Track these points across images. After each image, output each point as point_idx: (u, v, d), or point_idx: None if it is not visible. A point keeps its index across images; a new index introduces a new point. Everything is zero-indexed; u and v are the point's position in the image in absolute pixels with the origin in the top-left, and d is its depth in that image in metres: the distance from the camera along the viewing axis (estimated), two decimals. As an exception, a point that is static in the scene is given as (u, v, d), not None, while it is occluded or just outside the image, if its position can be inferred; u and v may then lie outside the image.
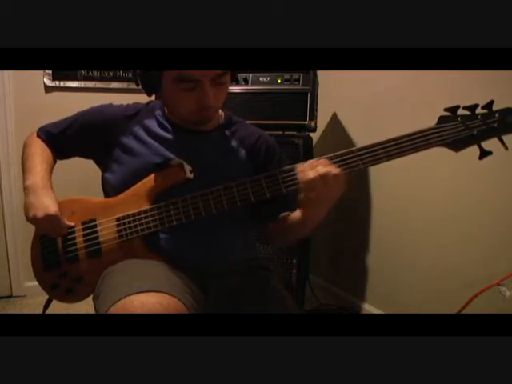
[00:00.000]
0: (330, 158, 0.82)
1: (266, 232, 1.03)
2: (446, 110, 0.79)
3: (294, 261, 1.72)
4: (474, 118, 0.78)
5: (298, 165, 0.83)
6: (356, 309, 1.95)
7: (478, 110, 0.79)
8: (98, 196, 1.00)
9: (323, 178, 0.77)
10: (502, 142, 0.79)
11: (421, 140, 0.80)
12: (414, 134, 0.80)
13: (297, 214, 0.92)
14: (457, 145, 0.79)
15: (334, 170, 0.78)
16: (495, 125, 0.77)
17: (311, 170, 0.79)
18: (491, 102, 0.79)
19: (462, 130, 0.78)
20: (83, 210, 0.95)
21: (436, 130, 0.79)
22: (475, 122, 0.78)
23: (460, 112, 0.79)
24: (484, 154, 0.79)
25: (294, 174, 0.85)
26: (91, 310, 0.84)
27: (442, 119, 0.80)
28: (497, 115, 0.78)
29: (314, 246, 1.95)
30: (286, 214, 0.97)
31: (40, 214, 0.88)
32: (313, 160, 0.82)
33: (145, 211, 0.90)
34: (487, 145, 0.79)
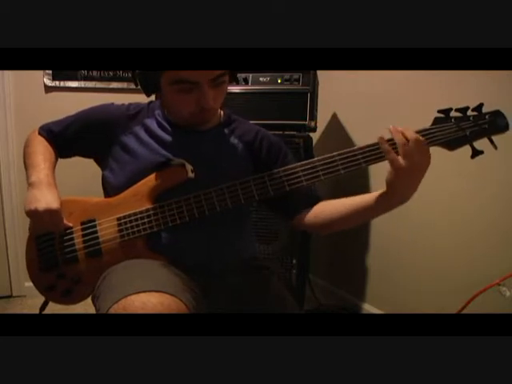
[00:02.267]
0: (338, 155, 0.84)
1: (298, 225, 0.99)
2: (439, 111, 0.83)
3: (294, 261, 1.72)
4: (466, 119, 0.82)
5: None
6: (356, 309, 1.95)
7: (469, 113, 0.83)
8: (98, 196, 0.99)
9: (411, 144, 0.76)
10: (491, 142, 0.83)
11: None
12: None
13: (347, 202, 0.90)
14: (451, 144, 0.83)
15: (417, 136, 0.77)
16: (486, 126, 0.82)
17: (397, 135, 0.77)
18: (481, 105, 0.83)
19: (456, 130, 0.82)
20: (81, 210, 0.95)
21: (432, 131, 0.82)
22: (467, 124, 0.82)
23: (452, 114, 0.83)
24: (476, 153, 0.82)
25: (297, 172, 0.86)
26: (90, 310, 0.84)
27: (436, 120, 0.83)
28: (487, 117, 0.82)
29: (313, 246, 1.95)
30: (323, 204, 0.95)
31: (41, 206, 0.88)
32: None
33: (146, 210, 0.90)
34: (478, 144, 0.83)
